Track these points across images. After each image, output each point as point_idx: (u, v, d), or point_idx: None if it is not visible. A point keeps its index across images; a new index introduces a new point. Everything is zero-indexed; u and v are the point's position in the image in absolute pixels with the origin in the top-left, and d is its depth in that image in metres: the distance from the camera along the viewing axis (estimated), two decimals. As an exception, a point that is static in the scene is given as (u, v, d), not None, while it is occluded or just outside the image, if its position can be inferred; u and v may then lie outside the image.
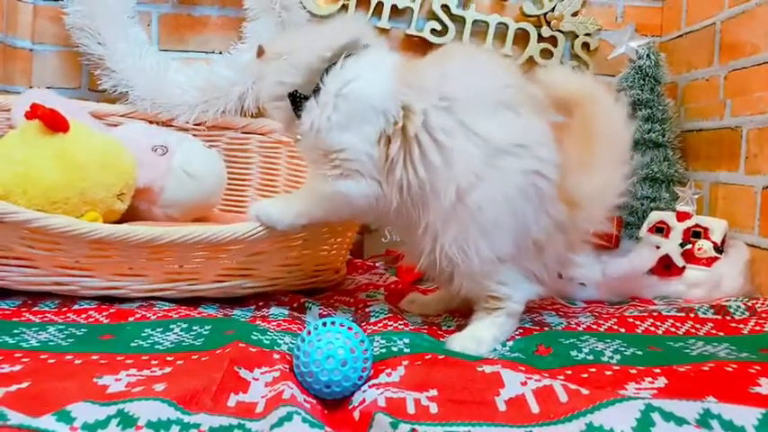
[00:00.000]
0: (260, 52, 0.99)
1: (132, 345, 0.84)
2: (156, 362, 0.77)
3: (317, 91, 0.92)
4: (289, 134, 1.01)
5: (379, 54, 0.97)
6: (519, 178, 0.87)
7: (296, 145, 1.01)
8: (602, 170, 0.97)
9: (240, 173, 1.53)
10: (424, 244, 0.91)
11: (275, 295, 1.10)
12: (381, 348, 0.83)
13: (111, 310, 0.97)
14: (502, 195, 0.87)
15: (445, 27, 1.57)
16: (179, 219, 1.28)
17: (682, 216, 1.30)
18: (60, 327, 0.90)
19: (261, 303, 1.07)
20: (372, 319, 0.99)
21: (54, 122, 1.06)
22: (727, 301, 1.10)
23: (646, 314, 1.01)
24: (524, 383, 0.70)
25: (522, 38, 1.59)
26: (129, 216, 1.21)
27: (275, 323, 0.94)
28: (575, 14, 1.58)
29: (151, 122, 1.45)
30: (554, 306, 1.12)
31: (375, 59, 0.95)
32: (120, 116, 1.45)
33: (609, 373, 0.78)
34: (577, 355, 0.84)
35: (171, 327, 0.91)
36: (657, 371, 0.77)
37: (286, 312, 1.01)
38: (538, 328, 0.97)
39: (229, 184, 1.47)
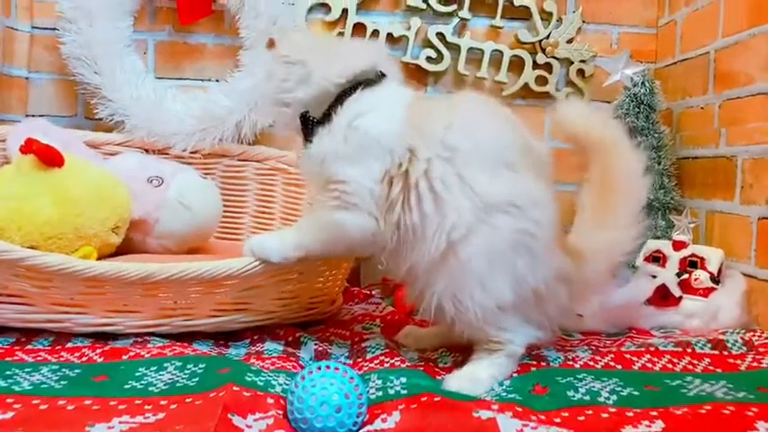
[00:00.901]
0: (271, 44, 1.00)
1: (126, 387, 0.84)
2: (149, 407, 0.77)
3: (327, 117, 0.93)
4: (284, 133, 1.01)
5: (392, 89, 0.97)
6: (510, 236, 0.87)
7: (298, 164, 1.01)
8: (615, 226, 0.99)
9: (236, 200, 1.52)
10: (416, 288, 0.92)
11: (270, 328, 1.10)
12: (378, 390, 0.83)
13: (106, 348, 0.97)
14: (492, 250, 0.87)
15: (441, 55, 1.57)
16: (174, 250, 1.28)
17: (678, 245, 1.30)
18: (54, 367, 0.89)
19: (256, 337, 1.07)
20: (368, 355, 0.98)
21: (49, 158, 1.06)
22: (724, 333, 1.10)
23: (643, 349, 1.01)
24: (520, 431, 0.69)
25: (517, 65, 1.59)
26: (124, 248, 1.20)
27: (270, 361, 0.94)
28: (570, 41, 1.59)
29: (147, 150, 1.45)
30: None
31: (389, 95, 0.95)
32: (116, 145, 1.45)
33: (605, 415, 0.77)
34: (574, 396, 0.83)
35: (165, 365, 0.90)
36: (654, 413, 0.77)
37: (281, 348, 1.01)
38: (535, 363, 0.97)
39: (225, 211, 1.46)
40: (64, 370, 0.89)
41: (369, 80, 0.95)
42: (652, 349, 1.01)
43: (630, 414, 0.77)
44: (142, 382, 0.85)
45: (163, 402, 0.78)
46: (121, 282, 0.96)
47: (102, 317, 1.00)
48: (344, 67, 0.95)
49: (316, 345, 1.05)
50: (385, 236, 0.92)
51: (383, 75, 0.97)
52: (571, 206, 1.54)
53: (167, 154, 1.45)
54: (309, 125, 0.95)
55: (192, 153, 1.46)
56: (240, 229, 1.53)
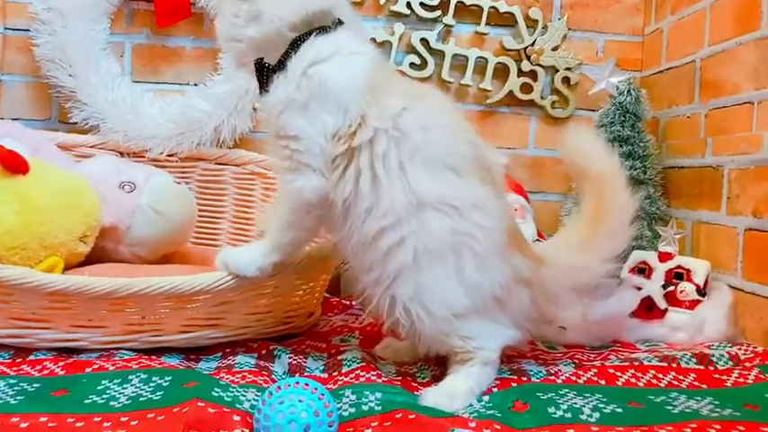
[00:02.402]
0: None
1: (86, 402, 0.80)
2: (108, 423, 0.73)
3: (282, 64, 0.89)
4: (239, 67, 0.98)
5: (351, 39, 0.93)
6: (446, 236, 0.85)
7: (258, 115, 0.98)
8: (590, 253, 0.98)
9: (214, 205, 1.49)
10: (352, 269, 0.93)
11: (244, 341, 1.06)
12: (351, 407, 0.79)
13: (68, 361, 0.92)
14: (421, 246, 0.85)
15: (424, 61, 1.55)
16: (147, 257, 1.24)
17: (664, 257, 1.27)
18: (11, 381, 0.85)
19: (228, 350, 1.03)
20: (344, 369, 0.95)
21: (13, 164, 1.02)
22: (709, 348, 1.08)
23: (627, 364, 0.98)
24: (497, 451, 0.66)
25: (501, 72, 1.57)
26: (95, 256, 1.16)
27: (240, 375, 0.90)
28: (555, 49, 1.57)
29: (122, 153, 1.42)
30: (534, 352, 1.08)
31: (348, 45, 0.91)
32: (90, 147, 1.41)
33: (587, 434, 0.74)
34: (555, 413, 0.80)
35: (129, 378, 0.86)
36: (638, 432, 0.74)
37: (253, 362, 0.97)
38: (516, 377, 0.94)
39: (202, 216, 1.43)
40: (22, 384, 0.84)
41: (324, 27, 0.91)
42: (636, 364, 0.98)
43: (613, 433, 0.74)
44: (104, 396, 0.81)
45: (123, 419, 0.74)
46: (86, 296, 0.91)
47: (66, 332, 0.96)
48: (297, 5, 0.90)
49: (290, 358, 1.01)
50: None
51: (340, 22, 0.93)
52: (556, 215, 1.53)
53: (143, 157, 1.42)
54: (264, 72, 0.91)
55: (168, 156, 1.43)
56: (218, 235, 1.49)
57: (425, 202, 0.85)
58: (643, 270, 1.30)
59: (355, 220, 0.88)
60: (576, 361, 1.03)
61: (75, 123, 1.44)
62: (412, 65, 1.55)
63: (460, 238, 0.86)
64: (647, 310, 1.22)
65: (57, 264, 1.04)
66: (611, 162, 1.01)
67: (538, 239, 1.41)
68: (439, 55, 1.55)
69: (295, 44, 0.90)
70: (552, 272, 0.95)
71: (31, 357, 0.94)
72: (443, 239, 0.85)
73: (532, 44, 1.56)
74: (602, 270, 0.99)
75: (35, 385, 0.85)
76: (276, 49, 0.91)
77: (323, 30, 0.91)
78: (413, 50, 1.55)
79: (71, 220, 1.07)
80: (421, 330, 0.87)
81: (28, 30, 1.44)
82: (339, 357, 1.01)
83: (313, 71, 0.88)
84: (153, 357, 0.95)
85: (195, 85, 1.52)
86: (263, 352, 1.02)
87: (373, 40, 1.53)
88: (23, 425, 0.72)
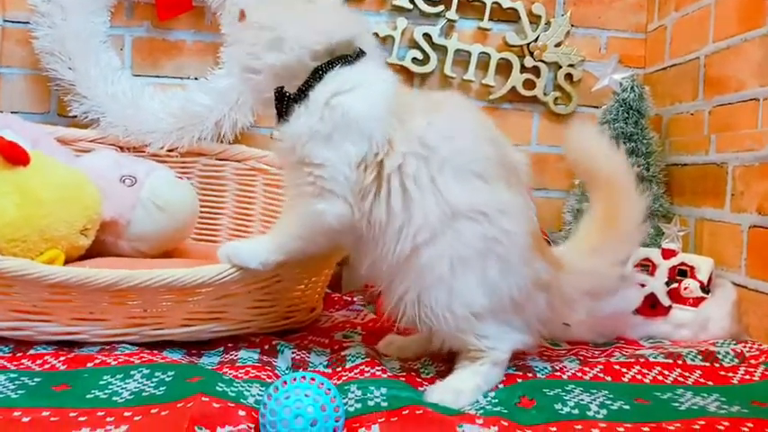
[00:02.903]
0: (241, 16, 0.95)
1: (88, 396, 0.79)
2: (111, 418, 0.72)
3: (304, 93, 0.88)
4: (256, 105, 0.97)
5: (374, 69, 0.93)
6: (476, 243, 0.85)
7: (272, 145, 0.97)
8: (603, 258, 0.98)
9: (214, 201, 1.48)
10: (380, 285, 0.92)
11: (246, 336, 1.05)
12: (357, 402, 0.78)
13: (70, 356, 0.91)
14: (455, 254, 0.85)
15: (427, 56, 1.54)
16: (147, 252, 1.22)
17: (667, 254, 1.27)
18: (12, 375, 0.84)
19: (230, 345, 1.02)
20: (348, 365, 0.94)
21: (13, 155, 1.01)
22: (715, 344, 1.08)
23: (633, 360, 0.98)
24: (506, 447, 0.65)
25: (504, 68, 1.56)
26: (95, 250, 1.15)
27: (243, 370, 0.89)
28: (558, 45, 1.56)
29: (121, 148, 1.40)
30: (538, 349, 1.07)
31: (371, 75, 0.91)
32: (90, 141, 1.40)
33: (596, 430, 0.74)
34: (562, 409, 0.80)
35: (132, 373, 0.85)
36: (646, 429, 0.74)
37: (256, 357, 0.96)
38: (521, 374, 0.93)
39: (203, 212, 1.41)
40: (23, 378, 0.83)
41: (347, 56, 0.90)
42: (642, 360, 0.97)
43: (621, 429, 0.74)
44: (106, 391, 0.80)
45: (127, 414, 0.73)
46: (87, 288, 0.90)
47: (66, 325, 0.95)
48: (321, 35, 0.89)
49: (293, 353, 1.01)
50: (361, 223, 0.89)
51: (362, 52, 0.92)
52: (558, 212, 1.52)
53: (143, 152, 1.40)
54: (284, 102, 0.90)
55: (168, 151, 1.41)
56: (218, 231, 1.48)
57: (459, 211, 0.85)
58: (646, 267, 1.29)
59: (388, 240, 0.87)
60: (581, 357, 1.03)
61: (75, 117, 1.42)
62: (414, 60, 1.54)
63: (489, 244, 0.85)
64: (651, 307, 1.21)
65: (57, 256, 1.03)
66: (621, 163, 0.99)
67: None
68: (441, 50, 1.54)
69: (317, 73, 0.89)
70: (570, 276, 0.95)
71: (32, 351, 0.93)
72: (475, 246, 0.85)
73: (535, 40, 1.55)
74: (616, 273, 0.99)
75: (36, 380, 0.84)
76: (296, 77, 0.89)
77: (346, 59, 0.90)
78: (415, 45, 1.54)
79: (72, 213, 1.06)
80: (436, 326, 0.87)
81: (27, 22, 1.42)
82: (343, 353, 1.00)
83: (336, 102, 0.87)
84: (155, 352, 0.94)
85: (196, 78, 1.50)
86: (266, 347, 1.01)
87: (375, 34, 1.52)
88: (25, 419, 0.71)
